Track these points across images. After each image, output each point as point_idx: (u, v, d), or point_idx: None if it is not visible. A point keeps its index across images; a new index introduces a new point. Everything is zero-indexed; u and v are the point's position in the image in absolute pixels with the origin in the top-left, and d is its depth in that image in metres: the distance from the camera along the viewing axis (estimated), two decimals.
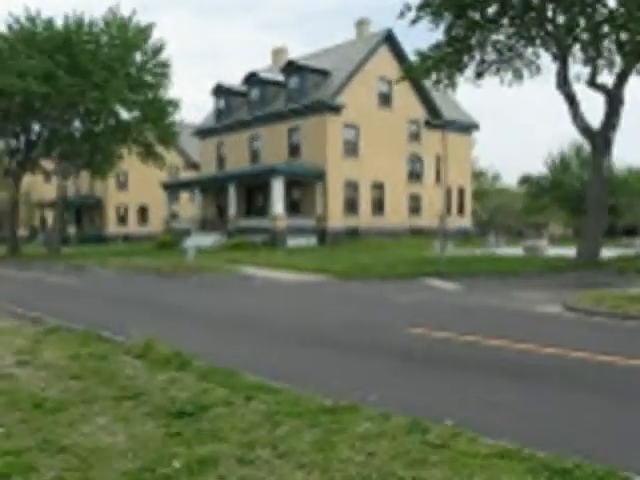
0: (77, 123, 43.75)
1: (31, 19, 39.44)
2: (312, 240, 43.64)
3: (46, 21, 39.40)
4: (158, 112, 41.26)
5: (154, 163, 45.36)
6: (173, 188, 53.97)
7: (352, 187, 46.22)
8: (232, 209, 45.55)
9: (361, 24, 52.34)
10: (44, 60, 36.93)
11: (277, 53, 58.22)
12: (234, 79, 54.20)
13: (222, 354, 9.51)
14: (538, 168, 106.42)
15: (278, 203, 42.33)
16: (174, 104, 42.54)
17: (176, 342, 9.37)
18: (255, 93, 50.22)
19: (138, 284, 23.91)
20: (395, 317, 14.09)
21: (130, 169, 65.09)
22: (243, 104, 52.19)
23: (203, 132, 55.10)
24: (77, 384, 7.33)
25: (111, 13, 39.95)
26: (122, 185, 69.49)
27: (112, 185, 68.64)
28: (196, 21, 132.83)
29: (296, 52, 59.01)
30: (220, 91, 53.00)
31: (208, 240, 43.45)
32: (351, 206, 46.14)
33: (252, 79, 49.96)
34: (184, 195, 57.65)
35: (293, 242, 42.10)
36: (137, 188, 70.45)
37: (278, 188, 42.34)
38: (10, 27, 39.47)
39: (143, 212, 72.54)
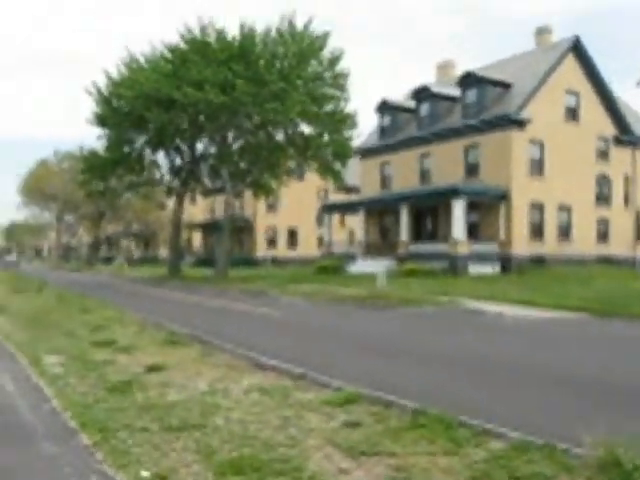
0: (239, 138, 41.40)
1: (204, 29, 37.59)
2: (495, 268, 39.21)
3: (219, 31, 37.44)
4: (337, 126, 38.27)
5: (332, 180, 42.45)
6: (329, 210, 50.89)
7: (537, 210, 41.50)
8: (404, 233, 41.83)
9: (542, 32, 47.71)
10: (220, 69, 34.82)
11: (443, 67, 54.40)
12: (391, 96, 50.45)
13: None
14: None
15: (459, 226, 38.23)
16: (352, 118, 39.44)
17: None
18: (425, 109, 46.46)
19: (347, 317, 20.41)
20: None
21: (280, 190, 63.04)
22: (411, 121, 48.57)
23: (365, 151, 51.72)
24: None
25: (285, 22, 37.55)
26: (272, 207, 67.32)
27: (262, 207, 66.64)
28: (341, 40, 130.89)
29: (462, 66, 55.00)
30: (385, 108, 49.60)
31: (377, 266, 39.75)
32: (536, 231, 41.38)
33: (422, 94, 46.25)
34: (335, 217, 54.51)
35: (474, 270, 37.84)
36: (287, 210, 68.22)
37: (459, 210, 38.27)
38: (183, 37, 37.76)
39: (292, 235, 70.21)
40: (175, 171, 44.96)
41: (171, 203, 69.06)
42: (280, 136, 40.62)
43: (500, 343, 14.65)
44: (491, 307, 21.18)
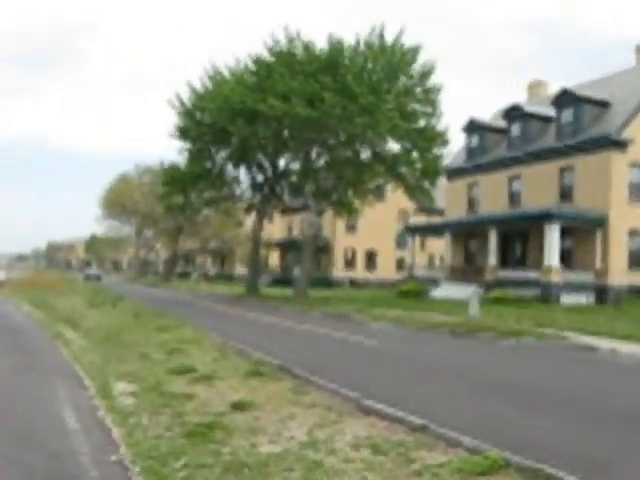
0: (323, 154, 39.92)
1: (291, 40, 36.44)
2: (590, 298, 36.54)
3: (305, 43, 36.23)
4: (427, 143, 36.42)
5: (421, 200, 40.62)
6: (412, 232, 48.91)
7: (637, 237, 38.64)
8: (492, 257, 39.56)
9: None
10: (307, 82, 33.53)
11: (534, 87, 51.92)
12: (479, 115, 48.22)
13: None
14: None
15: (552, 253, 35.78)
16: (443, 135, 37.53)
17: None
18: (517, 129, 44.12)
19: (447, 348, 18.47)
20: None
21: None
22: (500, 141, 46.30)
23: (452, 172, 49.57)
24: None
25: (375, 34, 36.04)
26: (351, 228, 65.61)
27: (341, 227, 65.06)
28: None
29: (555, 86, 52.33)
30: (473, 127, 47.48)
31: (462, 291, 37.61)
32: (636, 260, 38.48)
33: (513, 113, 43.98)
34: (416, 240, 52.35)
35: (567, 299, 35.29)
36: (366, 231, 66.36)
37: (553, 236, 35.85)
38: (269, 49, 36.70)
39: (371, 257, 68.36)
40: (256, 187, 43.83)
41: (249, 220, 68.49)
42: (366, 153, 39.00)
43: (635, 388, 12.50)
44: (600, 342, 18.88)
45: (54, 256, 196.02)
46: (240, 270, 77.73)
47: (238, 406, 9.03)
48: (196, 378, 11.13)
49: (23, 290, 45.94)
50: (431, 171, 37.82)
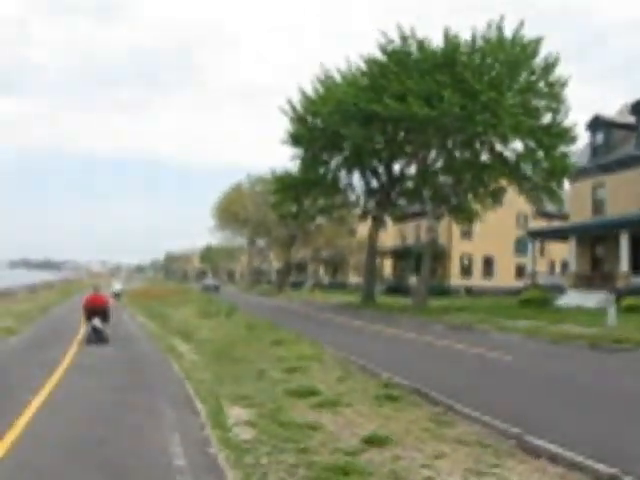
0: (441, 156, 37.93)
1: (404, 39, 34.83)
2: None
3: (420, 40, 34.50)
4: (553, 141, 33.89)
5: (550, 201, 38.10)
6: (534, 237, 46.05)
7: None
8: (623, 263, 36.45)
9: None
10: (424, 80, 31.83)
11: None
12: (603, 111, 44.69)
13: None
14: None
15: None
16: (570, 131, 34.89)
17: None
18: None
19: (594, 366, 16.38)
20: None
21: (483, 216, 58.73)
22: (629, 138, 42.85)
23: (575, 173, 46.41)
24: None
25: (492, 28, 33.91)
26: (467, 234, 62.98)
27: (456, 233, 62.59)
28: None
29: None
30: (598, 124, 44.15)
31: (590, 300, 34.81)
32: None
33: None
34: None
35: None
36: (482, 237, 63.52)
37: None
38: (382, 48, 35.19)
39: (488, 263, 65.52)
40: (370, 193, 42.34)
41: (361, 229, 67.16)
42: (485, 154, 36.79)
43: None
44: None
45: (171, 266, 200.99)
46: (353, 279, 76.40)
47: (373, 441, 7.56)
48: (320, 403, 9.74)
49: (139, 301, 46.34)
50: (559, 170, 35.16)
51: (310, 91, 39.12)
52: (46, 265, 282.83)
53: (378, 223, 42.84)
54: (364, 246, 68.09)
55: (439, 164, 37.68)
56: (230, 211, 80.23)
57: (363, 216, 44.11)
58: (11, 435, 7.83)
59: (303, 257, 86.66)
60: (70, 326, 24.40)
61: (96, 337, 18.59)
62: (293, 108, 39.08)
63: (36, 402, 9.85)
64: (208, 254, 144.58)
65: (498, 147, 35.95)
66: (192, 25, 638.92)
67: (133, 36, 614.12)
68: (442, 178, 38.18)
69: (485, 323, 26.35)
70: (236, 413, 9.21)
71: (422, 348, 19.39)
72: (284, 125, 41.28)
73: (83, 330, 21.06)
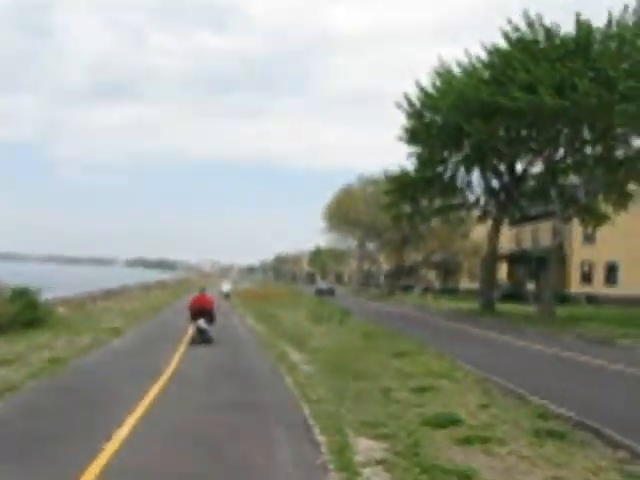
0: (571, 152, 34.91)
1: (531, 25, 32.25)
2: None
3: (548, 27, 31.83)
4: None
5: None
6: None
7: None
8: None
9: None
10: (554, 68, 29.22)
11: None
12: None
13: None
14: None
15: None
16: None
17: None
18: None
19: None
20: None
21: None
22: None
23: None
24: None
25: (627, 13, 30.89)
26: (589, 238, 58.93)
27: (577, 237, 58.69)
28: None
29: None
30: None
31: None
32: None
33: None
34: None
35: None
36: (606, 241, 59.35)
37: None
38: (507, 36, 32.71)
39: (612, 270, 61.18)
40: (491, 193, 39.73)
41: (475, 232, 64.30)
42: (620, 150, 33.68)
43: None
44: None
45: (281, 268, 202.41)
46: (465, 284, 73.61)
47: None
48: (465, 437, 7.90)
49: (248, 302, 45.68)
50: None
51: (427, 85, 37.06)
52: (161, 265, 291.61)
53: (498, 225, 40.18)
54: (478, 250, 65.34)
55: (568, 161, 34.71)
56: (341, 213, 78.80)
57: (482, 217, 41.55)
58: (94, 468, 6.43)
59: (414, 261, 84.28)
60: (177, 327, 23.50)
61: (201, 338, 18.46)
62: (410, 103, 37.06)
63: (128, 424, 8.48)
64: (317, 256, 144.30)
65: (634, 142, 32.83)
66: (303, 30, 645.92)
67: (245, 43, 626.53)
68: (571, 177, 35.28)
69: (627, 337, 23.62)
70: (364, 447, 7.53)
71: (565, 366, 17.09)
72: (398, 123, 39.19)
73: (190, 332, 20.09)
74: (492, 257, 40.12)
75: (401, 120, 38.50)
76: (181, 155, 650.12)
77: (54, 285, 50.10)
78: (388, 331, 22.87)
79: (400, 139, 38.23)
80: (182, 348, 17.63)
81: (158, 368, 13.43)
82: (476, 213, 44.02)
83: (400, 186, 39.47)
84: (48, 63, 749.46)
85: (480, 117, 31.70)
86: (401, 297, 65.70)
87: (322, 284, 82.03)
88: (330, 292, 69.96)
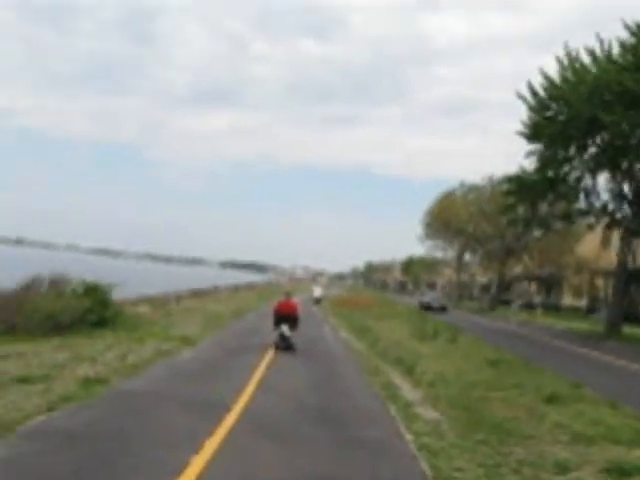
0: None
1: None
2: None
3: None
4: None
5: None
6: None
7: None
8: None
9: None
10: None
11: None
12: None
13: None
14: None
15: None
16: None
17: None
18: None
19: None
20: None
21: None
22: None
23: None
24: None
25: None
26: None
27: None
28: None
29: None
30: None
31: None
32: None
33: None
34: None
35: None
36: None
37: None
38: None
39: None
40: (622, 199, 34.52)
41: (583, 244, 58.80)
42: None
43: None
44: None
45: (371, 276, 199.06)
46: (567, 300, 67.97)
47: None
48: None
49: (339, 309, 42.55)
50: None
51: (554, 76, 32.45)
52: (253, 267, 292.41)
53: (630, 236, 34.93)
54: (585, 264, 59.77)
55: None
56: (441, 220, 74.27)
57: (611, 226, 36.30)
58: None
59: (515, 273, 78.77)
60: (259, 336, 20.10)
61: (283, 344, 17.81)
62: (534, 92, 32.54)
63: None
64: (409, 265, 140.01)
65: None
66: (401, 39, 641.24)
67: (344, 51, 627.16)
68: None
69: None
70: None
71: None
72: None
73: (271, 352, 16.64)
74: (623, 272, 34.86)
75: (520, 116, 34.20)
76: (277, 161, 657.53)
77: (141, 282, 49.34)
78: (513, 358, 18.65)
79: (520, 135, 33.73)
80: (263, 366, 14.07)
81: (224, 401, 9.80)
82: (591, 220, 38.52)
83: (519, 188, 34.89)
84: (151, 68, 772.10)
85: (623, 107, 27.04)
86: (504, 311, 60.48)
87: (429, 297, 63.93)
88: (442, 309, 55.55)
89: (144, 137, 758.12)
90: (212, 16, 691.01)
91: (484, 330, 33.73)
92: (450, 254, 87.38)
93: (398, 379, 13.65)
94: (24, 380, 9.97)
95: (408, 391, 12.20)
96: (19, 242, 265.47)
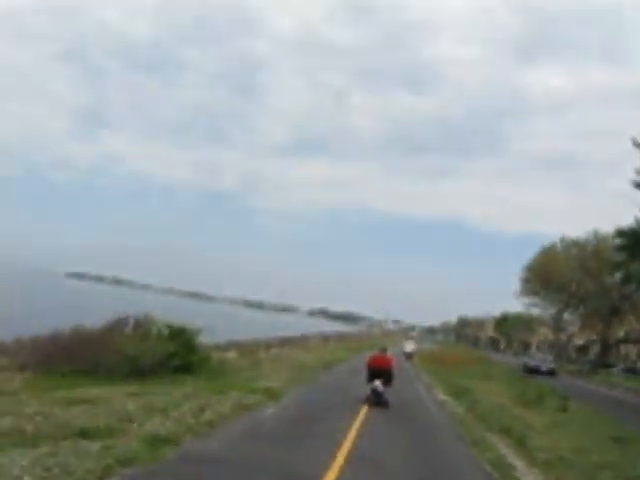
0: None
1: None
2: None
3: None
4: None
5: None
6: None
7: None
8: None
9: None
10: None
11: None
12: None
13: None
14: None
15: None
16: None
17: None
18: None
19: None
20: None
21: None
22: None
23: None
24: None
25: None
26: None
27: None
28: None
29: None
30: None
31: None
32: None
33: None
34: None
35: None
36: None
37: None
38: None
39: None
40: None
41: None
42: None
43: None
44: None
45: (463, 331, 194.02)
46: None
47: None
48: None
49: (432, 366, 41.04)
50: None
51: None
52: (344, 317, 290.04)
53: None
54: None
55: None
56: (542, 275, 71.08)
57: None
58: None
59: (617, 334, 74.30)
60: (350, 396, 18.48)
61: (375, 399, 17.18)
62: None
63: None
64: (503, 322, 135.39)
65: None
66: (496, 92, 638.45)
67: (439, 104, 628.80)
68: None
69: None
70: None
71: None
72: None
73: (362, 414, 15.06)
74: None
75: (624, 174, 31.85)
76: (371, 212, 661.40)
77: (232, 328, 49.55)
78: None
79: (636, 186, 31.37)
80: (353, 432, 12.48)
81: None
82: None
83: (634, 242, 32.38)
84: (252, 120, 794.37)
85: None
86: (605, 376, 56.52)
87: (537, 359, 54.12)
88: (550, 372, 47.06)
89: (242, 184, 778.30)
90: (311, 69, 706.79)
91: (591, 396, 31.00)
92: (546, 312, 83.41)
93: (509, 455, 11.82)
94: (84, 434, 8.83)
95: (524, 472, 10.37)
96: (118, 282, 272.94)
